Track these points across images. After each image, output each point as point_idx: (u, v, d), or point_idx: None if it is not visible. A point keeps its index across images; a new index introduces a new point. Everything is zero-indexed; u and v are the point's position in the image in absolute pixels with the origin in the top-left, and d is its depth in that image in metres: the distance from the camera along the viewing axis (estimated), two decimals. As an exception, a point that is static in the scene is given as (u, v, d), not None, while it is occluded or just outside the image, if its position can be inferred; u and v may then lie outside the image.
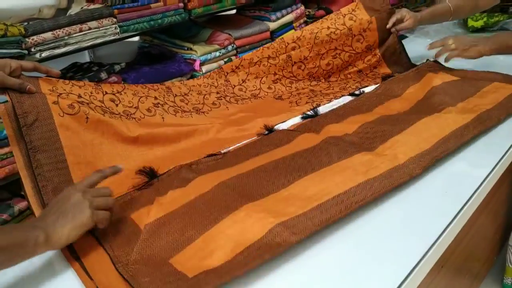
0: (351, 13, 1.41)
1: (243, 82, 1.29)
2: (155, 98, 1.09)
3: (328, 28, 1.39)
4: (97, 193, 0.73)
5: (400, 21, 1.43)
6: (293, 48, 1.37)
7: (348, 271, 0.66)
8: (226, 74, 1.27)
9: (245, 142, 1.06)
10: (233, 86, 1.27)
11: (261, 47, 1.35)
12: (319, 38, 1.38)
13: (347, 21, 1.40)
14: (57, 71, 0.88)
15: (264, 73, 1.34)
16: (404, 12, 1.43)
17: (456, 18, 1.60)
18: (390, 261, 0.67)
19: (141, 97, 1.06)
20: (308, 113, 1.18)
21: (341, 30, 1.39)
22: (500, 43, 1.31)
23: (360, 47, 1.43)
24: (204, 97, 1.19)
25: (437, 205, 0.80)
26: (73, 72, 1.33)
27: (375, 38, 1.43)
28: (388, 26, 1.42)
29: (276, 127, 1.13)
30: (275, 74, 1.36)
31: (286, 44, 1.35)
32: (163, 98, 1.10)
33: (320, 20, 1.44)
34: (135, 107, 1.03)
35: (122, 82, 1.30)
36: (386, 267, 0.66)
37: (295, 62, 1.38)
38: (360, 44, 1.42)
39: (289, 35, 1.39)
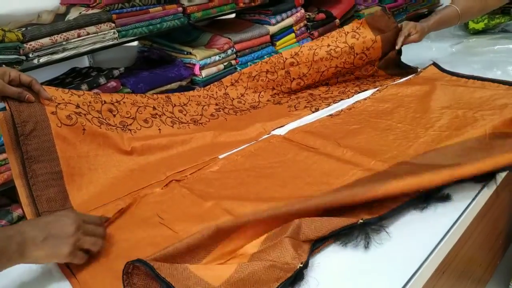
0: (354, 31, 1.36)
1: (241, 96, 1.29)
2: (154, 108, 1.08)
3: (328, 45, 1.35)
4: (90, 232, 0.70)
5: (407, 35, 1.39)
6: (292, 64, 1.34)
7: (347, 277, 0.65)
8: (225, 87, 1.26)
9: (243, 147, 1.06)
10: (232, 99, 1.27)
11: (259, 62, 1.32)
12: (318, 55, 1.35)
13: (349, 39, 1.36)
14: (48, 95, 0.88)
15: (263, 88, 1.33)
16: (410, 28, 1.38)
17: (464, 21, 1.53)
18: (388, 269, 0.66)
19: (140, 107, 1.05)
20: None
21: (342, 48, 1.35)
22: None
23: (361, 63, 1.41)
24: (203, 108, 1.18)
25: (437, 211, 0.79)
26: (72, 77, 1.33)
27: (378, 55, 1.40)
28: (397, 47, 1.38)
29: (273, 132, 1.13)
30: (273, 89, 1.34)
31: (284, 59, 1.32)
32: (162, 108, 1.10)
33: (321, 37, 1.39)
34: (132, 118, 1.03)
35: (121, 87, 1.30)
36: (383, 274, 0.65)
37: (294, 78, 1.36)
38: (362, 61, 1.40)
39: (287, 51, 1.35)
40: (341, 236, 0.70)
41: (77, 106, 0.93)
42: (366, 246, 0.68)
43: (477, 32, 1.88)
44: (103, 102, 0.99)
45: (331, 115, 1.18)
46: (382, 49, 1.38)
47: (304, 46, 1.35)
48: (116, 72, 1.32)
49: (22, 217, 1.21)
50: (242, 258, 0.66)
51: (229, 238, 0.67)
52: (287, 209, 0.70)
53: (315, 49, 1.36)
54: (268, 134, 1.12)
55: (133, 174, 0.94)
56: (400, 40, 1.39)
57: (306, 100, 1.30)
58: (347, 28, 1.37)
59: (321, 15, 1.88)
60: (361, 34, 1.35)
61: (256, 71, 1.29)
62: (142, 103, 1.06)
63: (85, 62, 1.53)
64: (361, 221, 0.69)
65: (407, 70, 1.47)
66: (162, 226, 0.78)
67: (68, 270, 0.70)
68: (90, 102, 0.96)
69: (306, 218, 0.69)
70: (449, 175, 0.75)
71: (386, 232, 0.70)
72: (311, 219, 0.68)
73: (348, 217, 0.70)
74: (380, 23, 1.38)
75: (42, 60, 1.13)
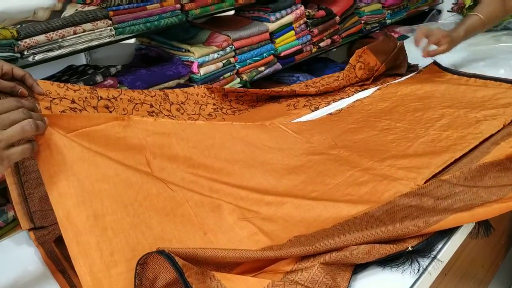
0: (359, 61, 1.35)
1: (240, 97, 1.27)
2: (151, 105, 1.06)
3: (344, 86, 1.35)
4: (9, 120, 0.56)
5: (434, 42, 1.30)
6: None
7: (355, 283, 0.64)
8: (227, 94, 1.24)
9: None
10: (230, 100, 1.25)
11: (270, 90, 1.28)
12: (332, 88, 1.36)
13: (358, 71, 1.36)
14: (41, 90, 0.83)
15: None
16: (438, 35, 1.29)
17: (489, 27, 1.46)
18: (394, 272, 0.65)
19: (136, 104, 1.03)
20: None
21: (353, 84, 1.36)
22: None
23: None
24: (200, 107, 1.17)
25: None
26: (68, 75, 1.31)
27: (381, 72, 1.40)
28: (423, 55, 1.31)
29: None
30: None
31: (298, 101, 1.31)
32: (159, 106, 1.08)
33: (338, 81, 1.35)
34: (128, 115, 1.01)
35: (118, 85, 1.28)
36: (389, 278, 0.64)
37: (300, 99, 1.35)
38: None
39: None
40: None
41: (73, 101, 0.91)
42: (417, 273, 0.65)
43: (479, 30, 1.86)
44: (99, 98, 0.97)
45: (330, 114, 1.17)
46: (385, 68, 1.37)
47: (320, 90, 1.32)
48: (113, 70, 1.30)
49: (17, 217, 1.20)
50: (273, 274, 0.63)
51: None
52: (335, 244, 0.65)
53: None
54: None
55: (126, 168, 0.92)
56: (426, 50, 1.30)
57: (305, 98, 1.28)
58: (352, 61, 1.34)
59: (321, 12, 1.86)
60: (365, 61, 1.35)
61: (262, 93, 1.27)
62: (139, 99, 1.04)
63: (81, 59, 1.51)
64: (410, 248, 0.66)
65: (408, 68, 1.45)
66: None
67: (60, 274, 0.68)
68: (86, 98, 0.94)
69: (351, 247, 0.65)
70: (506, 207, 0.70)
71: (436, 258, 0.67)
72: (356, 246, 0.65)
73: (395, 244, 0.67)
74: (382, 47, 1.36)
75: (38, 57, 1.11)
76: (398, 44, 1.39)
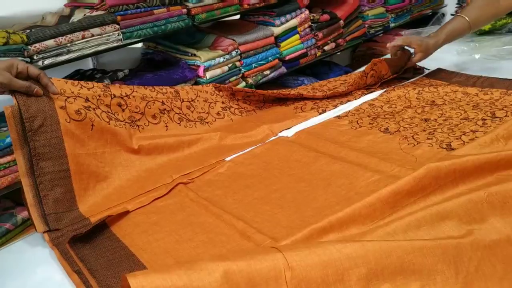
0: (373, 69, 1.35)
1: (247, 97, 1.28)
2: (163, 103, 1.07)
3: (352, 92, 1.35)
4: None
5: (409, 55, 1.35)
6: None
7: None
8: (234, 93, 1.25)
9: (249, 149, 1.04)
10: (237, 100, 1.26)
11: (278, 91, 1.30)
12: (339, 92, 1.36)
13: (369, 78, 1.36)
14: (56, 90, 0.83)
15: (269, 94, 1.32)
16: (414, 43, 1.29)
17: (476, 30, 1.42)
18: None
19: (149, 101, 1.04)
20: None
21: (360, 88, 1.37)
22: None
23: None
24: (209, 105, 1.17)
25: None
26: (76, 80, 1.32)
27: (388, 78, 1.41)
28: (389, 45, 1.34)
29: (280, 134, 1.11)
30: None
31: (305, 104, 1.31)
32: (170, 103, 1.09)
33: (346, 86, 1.36)
34: (141, 113, 1.01)
35: (126, 89, 1.29)
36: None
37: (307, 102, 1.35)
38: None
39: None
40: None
41: (86, 100, 0.91)
42: None
43: (483, 33, 1.86)
44: (112, 96, 0.97)
45: (338, 117, 1.17)
46: (392, 74, 1.40)
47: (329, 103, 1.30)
48: (120, 74, 1.31)
49: (26, 220, 1.20)
50: None
51: None
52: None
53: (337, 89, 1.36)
54: (275, 136, 1.11)
55: (140, 176, 0.93)
56: (393, 50, 1.33)
57: (312, 101, 1.28)
58: (367, 69, 1.35)
59: (325, 16, 1.87)
60: (378, 69, 1.36)
61: (270, 95, 1.28)
62: (151, 97, 1.05)
63: (89, 64, 1.52)
64: None
65: (413, 71, 1.46)
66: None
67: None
68: (99, 96, 0.94)
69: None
70: None
71: None
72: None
73: None
74: (398, 62, 1.38)
75: (47, 62, 1.13)
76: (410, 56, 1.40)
